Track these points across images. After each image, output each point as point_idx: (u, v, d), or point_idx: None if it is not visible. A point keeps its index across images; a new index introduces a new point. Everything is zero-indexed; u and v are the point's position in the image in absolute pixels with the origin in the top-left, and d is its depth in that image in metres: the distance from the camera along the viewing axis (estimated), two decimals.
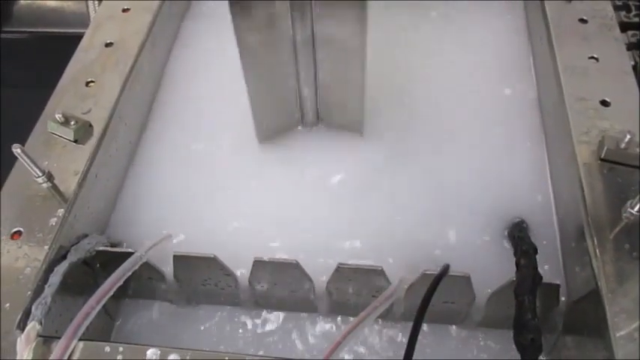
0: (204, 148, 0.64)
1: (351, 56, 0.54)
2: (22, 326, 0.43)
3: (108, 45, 0.64)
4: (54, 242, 0.47)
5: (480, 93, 0.67)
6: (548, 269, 0.52)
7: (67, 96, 0.58)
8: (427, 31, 0.75)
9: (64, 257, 0.48)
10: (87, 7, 0.99)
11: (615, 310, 0.42)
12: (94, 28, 0.66)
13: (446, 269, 0.46)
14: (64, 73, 0.61)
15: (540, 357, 0.42)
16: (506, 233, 0.55)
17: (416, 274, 0.47)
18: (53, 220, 0.49)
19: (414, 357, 0.42)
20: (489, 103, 0.66)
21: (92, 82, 0.60)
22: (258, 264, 0.48)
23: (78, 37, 0.65)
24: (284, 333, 0.53)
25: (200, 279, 0.51)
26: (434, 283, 0.45)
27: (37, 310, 0.43)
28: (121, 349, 0.42)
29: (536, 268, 0.46)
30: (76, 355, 0.42)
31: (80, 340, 0.42)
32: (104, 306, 0.44)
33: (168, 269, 0.51)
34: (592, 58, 0.59)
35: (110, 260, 0.49)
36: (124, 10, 0.68)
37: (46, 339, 0.42)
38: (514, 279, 0.46)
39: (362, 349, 0.52)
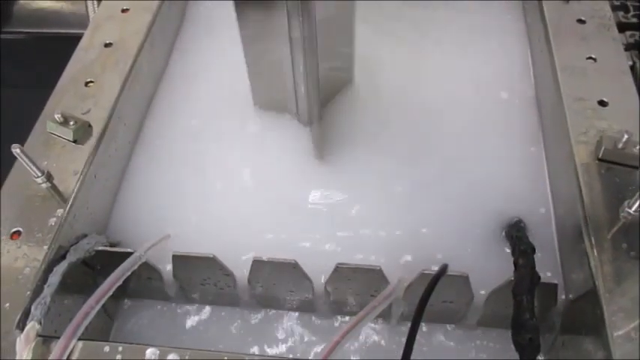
0: (204, 148, 0.64)
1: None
2: (21, 326, 0.43)
3: (107, 45, 0.64)
4: (53, 242, 0.48)
5: (479, 93, 0.67)
6: (546, 268, 0.52)
7: (67, 96, 0.59)
8: (426, 31, 0.75)
9: (64, 257, 0.48)
10: (86, 7, 0.99)
11: (613, 309, 0.42)
12: (94, 28, 0.66)
13: (444, 269, 0.46)
14: (64, 74, 0.61)
15: (538, 357, 0.42)
16: (503, 233, 0.55)
17: (414, 273, 0.47)
18: (52, 220, 0.49)
19: (413, 356, 0.42)
20: (487, 103, 0.67)
21: (91, 82, 0.60)
22: (257, 264, 0.48)
23: (77, 38, 0.65)
24: (283, 332, 0.53)
25: (199, 279, 0.51)
26: (432, 282, 0.45)
27: (36, 310, 0.43)
28: (120, 348, 0.42)
29: (534, 267, 0.46)
30: (76, 355, 0.42)
31: (79, 339, 0.42)
32: (103, 306, 0.44)
33: (167, 269, 0.51)
34: (590, 58, 0.60)
35: (109, 260, 0.49)
36: (124, 11, 0.68)
37: (46, 339, 0.42)
38: (512, 279, 0.46)
39: (361, 349, 0.52)
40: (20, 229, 0.48)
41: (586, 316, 0.45)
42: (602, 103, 0.55)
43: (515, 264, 0.48)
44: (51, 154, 0.53)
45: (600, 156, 0.51)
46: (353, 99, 0.67)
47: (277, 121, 0.57)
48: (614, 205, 0.48)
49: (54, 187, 0.51)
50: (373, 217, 0.57)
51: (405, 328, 0.44)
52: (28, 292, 0.44)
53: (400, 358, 0.42)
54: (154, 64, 0.69)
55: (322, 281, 0.50)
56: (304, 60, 0.55)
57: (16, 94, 1.10)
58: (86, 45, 0.64)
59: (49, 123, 0.54)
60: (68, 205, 0.50)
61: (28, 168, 0.48)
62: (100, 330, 0.52)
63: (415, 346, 0.42)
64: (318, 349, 0.52)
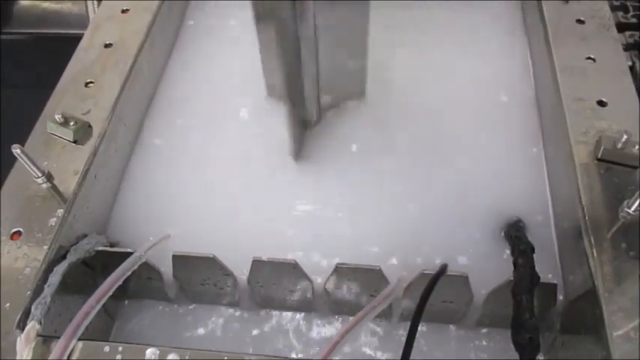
0: (205, 148, 0.64)
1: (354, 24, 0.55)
2: (21, 326, 0.43)
3: (107, 46, 0.64)
4: (53, 242, 0.48)
5: (478, 93, 0.68)
6: (545, 268, 0.52)
7: (67, 96, 0.59)
8: (425, 31, 0.75)
9: (64, 257, 0.48)
10: (86, 7, 0.99)
11: (612, 309, 0.42)
12: (94, 28, 0.66)
13: (444, 269, 0.46)
14: (64, 74, 0.61)
15: (538, 356, 0.42)
16: (502, 233, 0.55)
17: (414, 273, 0.47)
18: (53, 221, 0.49)
19: (412, 356, 0.42)
20: (487, 103, 0.67)
21: (91, 82, 0.60)
22: (257, 264, 0.48)
23: (77, 38, 0.65)
24: (282, 332, 0.53)
25: (199, 279, 0.51)
26: (431, 282, 0.45)
27: (36, 310, 0.43)
28: (120, 348, 0.42)
29: (534, 267, 0.47)
30: (76, 355, 0.42)
31: (80, 339, 0.42)
32: (103, 306, 0.44)
33: (167, 269, 0.51)
34: (589, 58, 0.60)
35: (109, 260, 0.49)
36: (124, 11, 0.68)
37: (46, 339, 0.42)
38: (511, 278, 0.46)
39: (360, 348, 0.52)
40: (20, 229, 0.48)
41: (585, 316, 0.45)
42: (601, 103, 0.55)
43: (515, 264, 0.48)
44: (51, 154, 0.54)
45: (599, 156, 0.51)
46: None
47: (281, 121, 0.57)
48: (613, 205, 0.48)
49: (54, 188, 0.51)
50: (372, 217, 0.57)
51: (405, 327, 0.44)
52: (29, 292, 0.45)
53: (400, 358, 0.42)
54: (154, 64, 0.69)
55: (322, 281, 0.51)
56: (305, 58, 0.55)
57: (16, 94, 1.10)
58: (86, 45, 0.64)
59: (50, 123, 0.54)
60: (68, 206, 0.50)
61: (28, 168, 0.49)
62: (101, 330, 0.52)
63: (414, 346, 0.42)
64: (318, 349, 0.52)
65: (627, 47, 0.67)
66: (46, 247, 0.47)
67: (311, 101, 0.61)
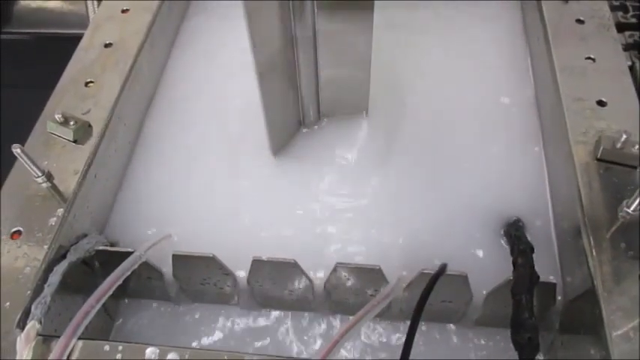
0: (205, 148, 0.64)
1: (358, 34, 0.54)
2: (21, 325, 0.43)
3: (107, 45, 0.64)
4: (53, 242, 0.48)
5: (478, 93, 0.68)
6: (544, 268, 0.52)
7: (67, 96, 0.59)
8: (425, 31, 0.75)
9: (64, 257, 0.48)
10: (86, 7, 0.99)
11: (611, 309, 0.42)
12: (94, 28, 0.66)
13: (443, 268, 0.46)
14: (64, 74, 0.61)
15: (537, 356, 0.43)
16: (502, 232, 0.55)
17: (413, 273, 0.47)
18: (53, 220, 0.49)
19: (412, 356, 0.42)
20: (487, 103, 0.67)
21: (91, 82, 0.60)
22: (257, 263, 0.48)
23: (77, 38, 0.65)
24: (282, 332, 0.53)
25: (199, 278, 0.51)
26: (431, 282, 0.45)
27: (36, 310, 0.43)
28: (120, 347, 0.42)
29: (533, 267, 0.47)
30: (76, 354, 0.42)
31: (79, 339, 0.42)
32: (103, 305, 0.44)
33: (167, 269, 0.51)
34: (589, 58, 0.60)
35: (109, 260, 0.49)
36: (124, 11, 0.68)
37: (46, 338, 0.43)
38: (511, 278, 0.46)
39: (360, 348, 0.52)
40: (20, 228, 0.49)
41: (585, 316, 0.45)
42: (601, 103, 0.55)
43: (514, 263, 0.48)
44: (51, 154, 0.54)
45: (599, 156, 0.51)
46: None
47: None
48: (612, 205, 0.48)
49: (54, 187, 0.51)
50: (374, 217, 0.57)
51: (404, 327, 0.44)
52: (29, 292, 0.45)
53: (399, 357, 0.42)
54: (154, 64, 0.69)
55: (321, 280, 0.51)
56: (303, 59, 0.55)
57: (16, 94, 1.10)
58: (86, 45, 0.64)
59: (50, 123, 0.55)
60: (68, 205, 0.50)
61: (28, 168, 0.49)
62: (101, 329, 0.52)
63: (414, 346, 0.42)
64: (317, 348, 0.52)
65: (627, 47, 0.67)
66: (46, 247, 0.47)
67: (309, 101, 0.61)
